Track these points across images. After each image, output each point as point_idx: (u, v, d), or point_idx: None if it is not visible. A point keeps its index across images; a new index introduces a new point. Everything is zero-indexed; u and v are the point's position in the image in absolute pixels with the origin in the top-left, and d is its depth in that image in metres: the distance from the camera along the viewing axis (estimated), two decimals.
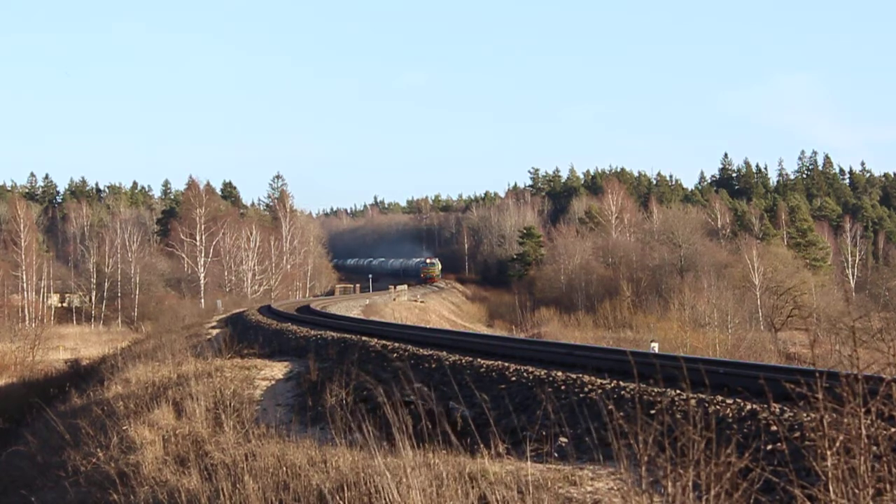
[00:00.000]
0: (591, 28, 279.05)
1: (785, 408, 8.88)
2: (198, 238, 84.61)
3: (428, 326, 43.81)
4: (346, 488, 7.53)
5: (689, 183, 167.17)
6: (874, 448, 4.73)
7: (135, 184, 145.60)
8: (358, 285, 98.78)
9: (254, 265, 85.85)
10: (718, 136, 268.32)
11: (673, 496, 4.63)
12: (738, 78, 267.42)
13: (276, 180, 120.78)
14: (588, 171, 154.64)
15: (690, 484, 4.62)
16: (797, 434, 7.59)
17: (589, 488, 7.68)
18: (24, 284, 78.91)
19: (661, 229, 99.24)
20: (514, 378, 13.49)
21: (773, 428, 8.47)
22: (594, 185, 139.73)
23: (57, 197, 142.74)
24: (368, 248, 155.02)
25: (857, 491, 4.59)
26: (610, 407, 7.68)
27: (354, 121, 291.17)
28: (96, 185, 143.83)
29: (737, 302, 62.56)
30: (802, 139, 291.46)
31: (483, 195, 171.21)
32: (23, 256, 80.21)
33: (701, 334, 51.38)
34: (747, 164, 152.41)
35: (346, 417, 9.62)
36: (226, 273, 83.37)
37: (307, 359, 19.83)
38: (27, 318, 66.58)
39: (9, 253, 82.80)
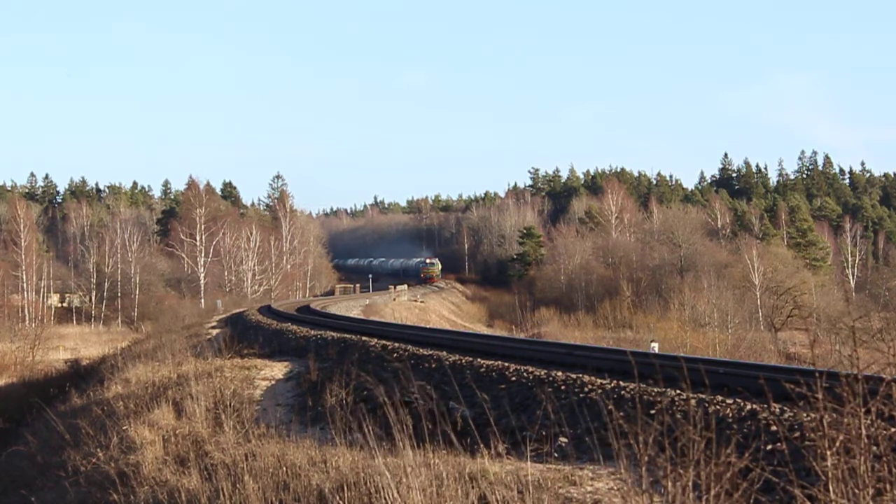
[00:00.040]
0: (591, 28, 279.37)
1: (785, 408, 8.87)
2: (198, 238, 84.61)
3: (428, 326, 43.80)
4: (346, 488, 7.53)
5: (689, 183, 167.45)
6: (874, 448, 4.73)
7: (135, 184, 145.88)
8: (358, 285, 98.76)
9: (254, 265, 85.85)
10: (718, 136, 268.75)
11: (673, 496, 4.63)
12: (738, 78, 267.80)
13: (276, 180, 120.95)
14: (588, 171, 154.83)
15: (690, 484, 4.62)
16: (797, 434, 7.59)
17: (589, 488, 7.68)
18: (24, 284, 78.91)
19: (661, 229, 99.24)
20: (514, 378, 13.49)
21: (773, 428, 8.47)
22: (594, 185, 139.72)
23: (57, 197, 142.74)
24: (368, 248, 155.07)
25: (857, 491, 4.59)
26: (610, 407, 7.68)
27: (354, 121, 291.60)
28: (96, 185, 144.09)
29: (737, 302, 62.56)
30: (802, 139, 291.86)
31: (483, 195, 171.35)
32: (23, 256, 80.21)
33: (701, 334, 51.40)
34: (747, 164, 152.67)
35: (346, 417, 9.62)
36: (226, 273, 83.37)
37: (307, 359, 19.82)
38: (27, 318, 66.59)
39: (9, 253, 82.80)
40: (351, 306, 57.35)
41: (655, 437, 4.82)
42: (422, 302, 79.24)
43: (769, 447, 7.60)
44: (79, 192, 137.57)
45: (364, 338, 21.87)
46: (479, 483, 7.26)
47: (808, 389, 4.93)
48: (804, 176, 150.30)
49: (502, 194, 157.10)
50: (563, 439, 9.67)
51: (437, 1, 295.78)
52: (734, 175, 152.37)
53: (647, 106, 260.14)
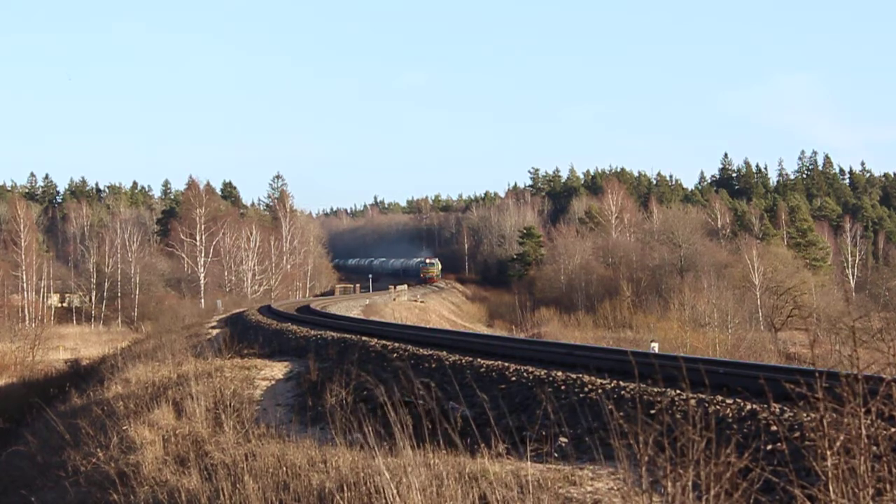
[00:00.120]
0: (591, 28, 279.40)
1: (785, 408, 8.88)
2: (198, 238, 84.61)
3: (428, 326, 43.80)
4: (346, 488, 7.52)
5: (689, 183, 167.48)
6: (874, 448, 4.73)
7: (135, 184, 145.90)
8: (358, 285, 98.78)
9: (254, 265, 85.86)
10: (718, 136, 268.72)
11: (673, 496, 4.63)
12: (738, 78, 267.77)
13: (276, 180, 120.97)
14: (588, 171, 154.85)
15: (690, 484, 4.61)
16: (797, 434, 7.59)
17: (589, 488, 7.68)
18: (24, 284, 78.92)
19: (661, 229, 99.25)
20: (514, 378, 13.49)
21: (773, 428, 8.47)
22: (594, 185, 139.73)
23: (57, 197, 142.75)
24: (368, 248, 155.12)
25: (857, 491, 4.59)
26: (610, 407, 7.67)
27: (354, 121, 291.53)
28: (96, 185, 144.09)
29: (737, 302, 62.56)
30: (802, 139, 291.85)
31: (483, 195, 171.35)
32: (23, 256, 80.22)
33: (701, 334, 51.39)
34: (747, 164, 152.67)
35: (346, 417, 9.62)
36: (226, 273, 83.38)
37: (307, 359, 19.82)
38: (27, 318, 66.59)
39: (9, 253, 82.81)
40: (351, 306, 57.35)
41: (655, 437, 4.82)
42: (422, 302, 79.25)
43: (769, 447, 7.60)
44: (79, 192, 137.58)
45: (364, 338, 21.87)
46: (479, 483, 7.25)
47: (808, 389, 4.93)
48: (804, 176, 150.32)
49: (502, 194, 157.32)
50: (563, 439, 9.67)
51: (437, 1, 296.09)
52: (734, 175, 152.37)
53: (647, 106, 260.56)
